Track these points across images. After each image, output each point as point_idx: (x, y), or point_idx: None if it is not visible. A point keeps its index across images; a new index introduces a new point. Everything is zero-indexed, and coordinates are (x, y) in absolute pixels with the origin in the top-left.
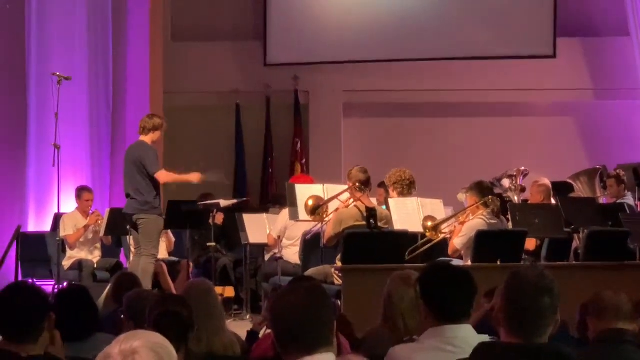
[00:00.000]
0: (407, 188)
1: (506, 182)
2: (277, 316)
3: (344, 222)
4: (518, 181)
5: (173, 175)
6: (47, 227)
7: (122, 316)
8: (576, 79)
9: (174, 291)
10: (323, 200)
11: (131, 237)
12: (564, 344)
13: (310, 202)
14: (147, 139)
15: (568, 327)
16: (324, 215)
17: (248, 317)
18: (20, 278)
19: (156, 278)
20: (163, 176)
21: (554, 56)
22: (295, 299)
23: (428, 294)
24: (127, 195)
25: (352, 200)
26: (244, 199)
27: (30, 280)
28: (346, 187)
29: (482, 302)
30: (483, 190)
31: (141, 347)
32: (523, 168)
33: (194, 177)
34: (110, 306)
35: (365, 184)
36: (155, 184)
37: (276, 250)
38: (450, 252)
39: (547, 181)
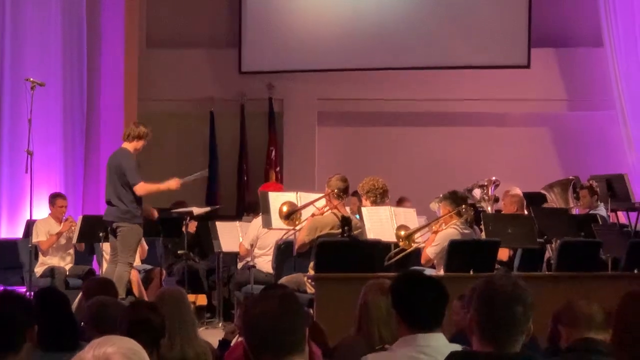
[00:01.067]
0: (380, 197)
1: (477, 192)
2: (249, 324)
3: (319, 229)
4: (489, 191)
5: (152, 186)
6: (19, 233)
7: (83, 324)
8: (550, 90)
9: (146, 299)
10: (297, 206)
11: (104, 244)
12: (535, 354)
13: (285, 208)
14: (130, 146)
15: (536, 338)
16: (297, 222)
17: (220, 325)
18: None
19: (129, 286)
20: (142, 189)
21: (528, 66)
22: (268, 306)
23: (400, 303)
24: (108, 202)
25: (327, 207)
26: (217, 206)
27: (1, 287)
28: (322, 195)
29: (455, 305)
30: (457, 199)
31: (114, 353)
32: (494, 178)
33: (173, 184)
34: (82, 313)
35: (344, 192)
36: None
37: (249, 259)
38: (423, 261)
39: (519, 191)
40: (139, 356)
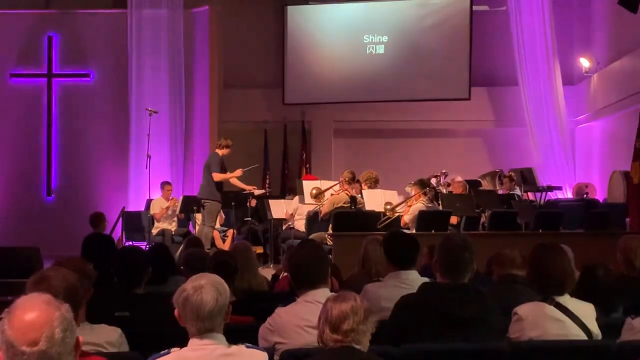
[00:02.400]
0: (374, 183)
1: (433, 180)
2: (292, 263)
3: (335, 203)
4: (441, 179)
5: (224, 175)
6: (142, 207)
7: (182, 267)
8: (483, 114)
9: (225, 249)
10: (321, 190)
11: (197, 214)
12: (478, 284)
13: (314, 191)
14: (220, 152)
15: (479, 273)
16: (321, 200)
17: (272, 266)
18: (125, 242)
19: (213, 240)
20: (217, 176)
21: (469, 99)
22: (303, 252)
23: (389, 250)
24: (201, 186)
25: (341, 190)
26: (269, 190)
27: (131, 243)
28: (337, 182)
29: (424, 252)
30: (423, 184)
31: (206, 283)
32: (444, 170)
33: (237, 173)
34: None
35: (352, 181)
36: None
37: (290, 223)
38: (402, 224)
39: (461, 178)
40: (222, 286)
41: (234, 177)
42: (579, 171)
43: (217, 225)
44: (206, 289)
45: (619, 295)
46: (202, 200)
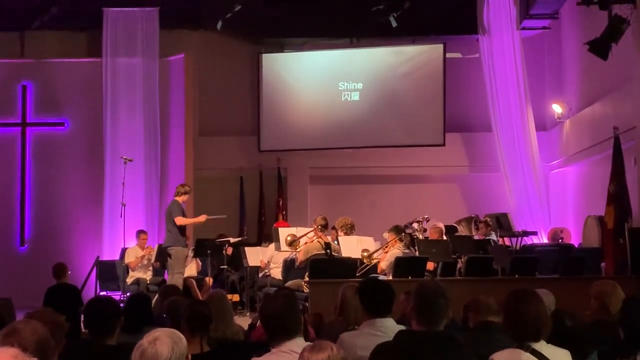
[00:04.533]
0: (350, 229)
1: (415, 225)
2: (263, 314)
3: (310, 252)
4: (423, 224)
5: (186, 219)
6: (116, 256)
7: (164, 315)
8: (458, 159)
9: (200, 298)
10: (296, 237)
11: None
12: (453, 331)
13: (289, 238)
14: (179, 199)
15: (454, 320)
16: (297, 247)
17: (248, 314)
18: (98, 291)
19: (188, 291)
20: (179, 220)
21: (443, 145)
22: (275, 302)
23: (364, 298)
24: (165, 233)
25: (315, 237)
26: (245, 237)
27: (105, 292)
28: (311, 229)
29: (402, 299)
30: (399, 230)
31: (160, 335)
32: (426, 216)
33: (201, 218)
34: (158, 309)
35: (325, 227)
36: (182, 226)
37: (266, 270)
38: (379, 271)
39: (441, 224)
40: (177, 336)
41: (196, 222)
42: (554, 216)
43: (193, 273)
44: (161, 340)
45: (594, 341)
46: (168, 248)
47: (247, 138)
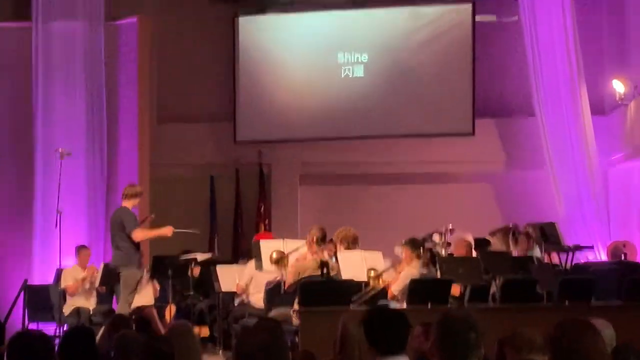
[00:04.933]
0: (352, 243)
1: (436, 238)
2: (239, 353)
3: (301, 272)
4: (446, 237)
5: (147, 232)
6: (50, 279)
7: (113, 353)
8: (491, 153)
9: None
10: (284, 253)
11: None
12: None
13: (274, 255)
14: (129, 204)
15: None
16: (284, 266)
17: (220, 353)
18: (27, 323)
19: (148, 322)
20: (137, 234)
21: (473, 134)
22: (256, 337)
23: (370, 333)
24: (113, 251)
25: (309, 253)
26: (216, 253)
27: (36, 325)
28: (304, 242)
29: (418, 332)
30: (415, 245)
31: None
32: (450, 226)
33: (167, 231)
34: (105, 346)
35: (322, 240)
36: (136, 242)
37: (244, 297)
38: (389, 297)
39: (470, 237)
40: None
41: (160, 236)
42: (615, 226)
43: (150, 300)
44: None
45: None
46: (117, 269)
47: (220, 125)
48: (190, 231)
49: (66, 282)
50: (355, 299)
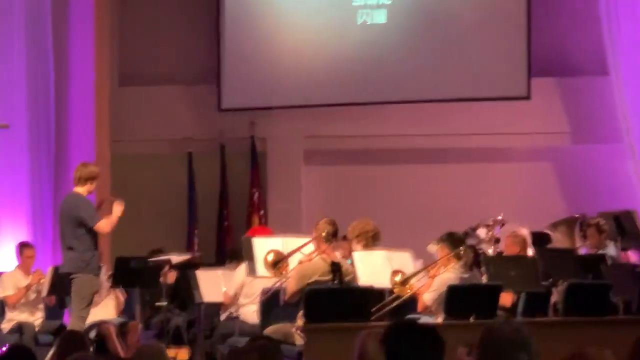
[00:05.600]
0: (372, 240)
1: (482, 232)
2: None
3: (307, 276)
4: (494, 232)
5: (110, 220)
6: None
7: None
8: (552, 122)
9: (122, 355)
10: (283, 254)
11: None
12: None
13: (270, 257)
14: (83, 190)
15: None
16: (285, 271)
17: None
18: None
19: (103, 341)
20: (104, 226)
21: (528, 97)
22: None
23: (394, 354)
24: (63, 252)
25: (315, 253)
26: (197, 254)
27: None
28: (310, 239)
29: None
30: (454, 241)
31: None
32: (500, 217)
33: (120, 207)
34: None
35: (332, 236)
36: (93, 240)
37: (233, 309)
38: (420, 308)
39: (524, 231)
40: None
41: (119, 216)
42: None
43: (112, 314)
44: None
45: None
46: (70, 276)
47: (200, 89)
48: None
49: (5, 290)
50: (375, 310)
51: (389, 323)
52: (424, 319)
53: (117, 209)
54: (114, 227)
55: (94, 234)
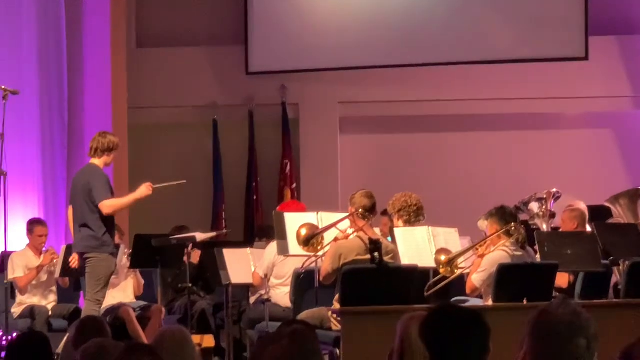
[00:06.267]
0: (415, 215)
1: (535, 207)
2: None
3: (343, 255)
4: (549, 205)
5: (119, 201)
6: None
7: None
8: (612, 85)
9: (144, 341)
10: (318, 229)
11: None
12: None
13: (304, 232)
14: (100, 162)
15: None
16: (319, 247)
17: None
18: None
19: (123, 326)
20: (106, 207)
21: (585, 58)
22: (277, 348)
23: (432, 344)
24: (75, 230)
25: (352, 230)
26: (224, 231)
27: None
28: (346, 215)
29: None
30: (505, 216)
31: None
32: (554, 190)
33: (143, 190)
34: (71, 358)
35: (369, 211)
36: (109, 216)
37: (263, 292)
38: (468, 290)
39: (582, 205)
40: None
41: (136, 201)
42: None
43: (131, 297)
44: None
45: None
46: (85, 256)
47: (226, 50)
48: (175, 183)
49: (15, 271)
50: (420, 293)
51: (435, 306)
52: (473, 302)
53: (141, 191)
54: (121, 209)
55: None
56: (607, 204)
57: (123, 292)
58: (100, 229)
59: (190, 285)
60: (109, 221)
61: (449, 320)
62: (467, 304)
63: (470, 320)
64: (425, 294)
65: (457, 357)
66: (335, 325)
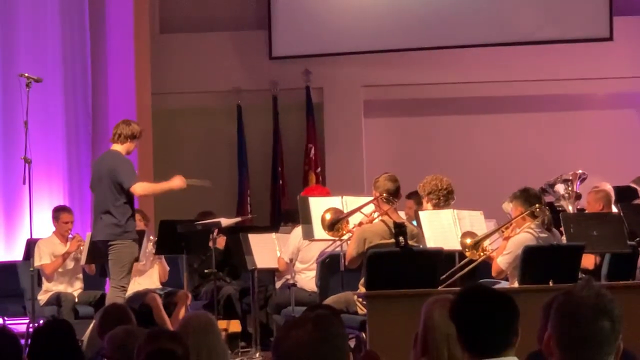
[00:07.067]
0: (445, 199)
1: (560, 188)
2: (281, 354)
3: (368, 239)
4: (575, 187)
5: (152, 186)
6: (18, 255)
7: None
8: (637, 65)
9: (169, 327)
10: (343, 213)
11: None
12: None
13: (328, 216)
14: (122, 148)
15: (635, 356)
16: (344, 231)
17: (257, 355)
18: None
19: (149, 313)
20: (140, 189)
21: (610, 38)
22: (301, 333)
23: (462, 324)
24: (96, 217)
25: (377, 214)
26: (249, 216)
27: (0, 320)
28: (371, 199)
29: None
30: (529, 198)
31: None
32: (580, 171)
33: (177, 182)
34: (96, 345)
35: (394, 195)
36: (130, 203)
37: (289, 276)
38: (494, 273)
39: (607, 187)
40: None
41: (170, 190)
42: None
43: (156, 284)
44: None
45: None
46: (108, 243)
47: (249, 35)
48: (202, 183)
49: (41, 259)
50: (445, 277)
51: (459, 289)
52: (500, 285)
53: (175, 182)
54: (152, 194)
55: (130, 197)
56: (632, 185)
57: (149, 278)
58: (124, 216)
59: (216, 270)
60: (130, 208)
61: (482, 303)
62: (496, 287)
63: (501, 302)
64: (451, 279)
65: (488, 339)
66: (361, 309)
